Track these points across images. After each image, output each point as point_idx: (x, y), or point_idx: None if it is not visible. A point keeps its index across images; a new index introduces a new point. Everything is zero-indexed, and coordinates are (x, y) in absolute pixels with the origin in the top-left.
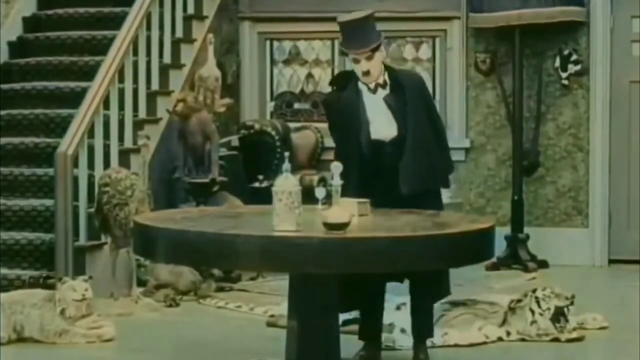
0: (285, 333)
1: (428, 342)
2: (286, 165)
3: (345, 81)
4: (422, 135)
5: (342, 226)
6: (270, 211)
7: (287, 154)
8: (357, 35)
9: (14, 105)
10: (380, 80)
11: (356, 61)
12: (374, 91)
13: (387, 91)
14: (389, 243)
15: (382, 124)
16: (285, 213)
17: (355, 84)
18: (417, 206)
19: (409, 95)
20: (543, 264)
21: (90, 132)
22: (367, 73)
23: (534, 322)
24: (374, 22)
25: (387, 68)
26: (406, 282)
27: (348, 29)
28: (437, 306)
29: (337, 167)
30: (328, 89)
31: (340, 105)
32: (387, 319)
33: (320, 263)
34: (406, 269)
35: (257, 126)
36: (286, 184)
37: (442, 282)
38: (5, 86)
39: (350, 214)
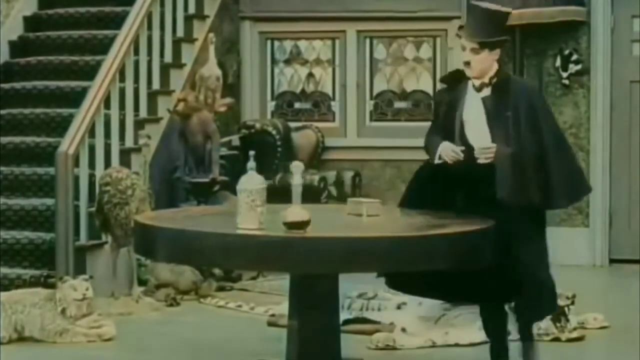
0: (286, 333)
1: (428, 342)
2: (251, 163)
3: (457, 80)
4: (520, 148)
5: (302, 225)
6: (271, 210)
7: (252, 152)
8: (475, 23)
9: (15, 104)
10: (486, 80)
11: (463, 48)
12: (478, 89)
13: (489, 91)
14: (388, 243)
15: (476, 128)
16: (247, 212)
17: (466, 82)
18: (509, 223)
19: (513, 101)
20: None
21: (91, 132)
22: (467, 64)
23: None
24: (500, 20)
25: (501, 73)
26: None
27: (471, 14)
28: (438, 306)
29: (297, 166)
30: (329, 89)
31: (446, 105)
32: (387, 318)
33: (320, 263)
34: (406, 269)
35: (257, 126)
36: (249, 182)
37: (544, 299)
38: (6, 85)
39: (309, 213)
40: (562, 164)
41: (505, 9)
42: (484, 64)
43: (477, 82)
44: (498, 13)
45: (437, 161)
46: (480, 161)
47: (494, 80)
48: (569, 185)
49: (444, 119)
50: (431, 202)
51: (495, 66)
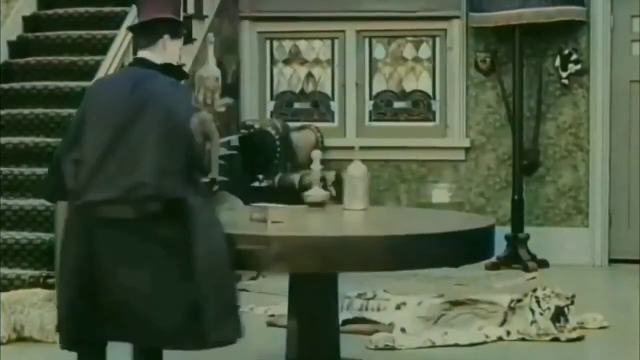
0: (285, 333)
1: (427, 342)
2: None
3: None
4: None
5: (322, 204)
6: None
7: None
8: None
9: (14, 104)
10: None
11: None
12: None
13: None
14: (388, 243)
15: None
16: None
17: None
18: None
19: None
20: (543, 264)
21: None
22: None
23: (534, 321)
24: None
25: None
26: (406, 281)
27: None
28: (437, 306)
29: (316, 154)
30: (328, 89)
31: None
32: (387, 318)
33: (320, 263)
34: (405, 269)
35: (257, 126)
36: None
37: None
38: (5, 86)
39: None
40: None
41: None
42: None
43: None
44: None
45: None
46: None
47: None
48: None
49: None
50: None
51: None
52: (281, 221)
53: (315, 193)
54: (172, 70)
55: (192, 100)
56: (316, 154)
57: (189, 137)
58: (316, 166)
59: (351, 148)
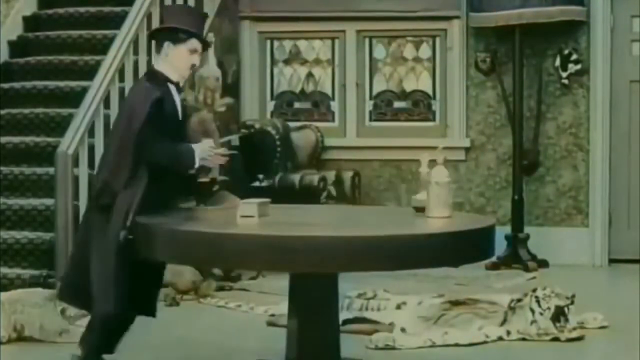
0: (285, 332)
1: (427, 342)
2: None
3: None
4: None
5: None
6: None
7: None
8: (195, 15)
9: (15, 104)
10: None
11: (194, 51)
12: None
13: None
14: (388, 242)
15: None
16: None
17: (165, 81)
18: None
19: None
20: (543, 264)
21: (91, 132)
22: (194, 67)
23: (534, 321)
24: None
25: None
26: (406, 281)
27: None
28: (437, 306)
29: (423, 156)
30: (328, 89)
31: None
32: (387, 318)
33: (321, 262)
34: (405, 269)
35: (257, 126)
36: None
37: None
38: (5, 85)
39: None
40: None
41: None
42: None
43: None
44: None
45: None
46: None
47: None
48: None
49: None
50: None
51: None
52: (252, 216)
53: (423, 197)
54: (154, 76)
55: (149, 102)
56: (424, 157)
57: (136, 137)
58: (424, 169)
59: (352, 148)
